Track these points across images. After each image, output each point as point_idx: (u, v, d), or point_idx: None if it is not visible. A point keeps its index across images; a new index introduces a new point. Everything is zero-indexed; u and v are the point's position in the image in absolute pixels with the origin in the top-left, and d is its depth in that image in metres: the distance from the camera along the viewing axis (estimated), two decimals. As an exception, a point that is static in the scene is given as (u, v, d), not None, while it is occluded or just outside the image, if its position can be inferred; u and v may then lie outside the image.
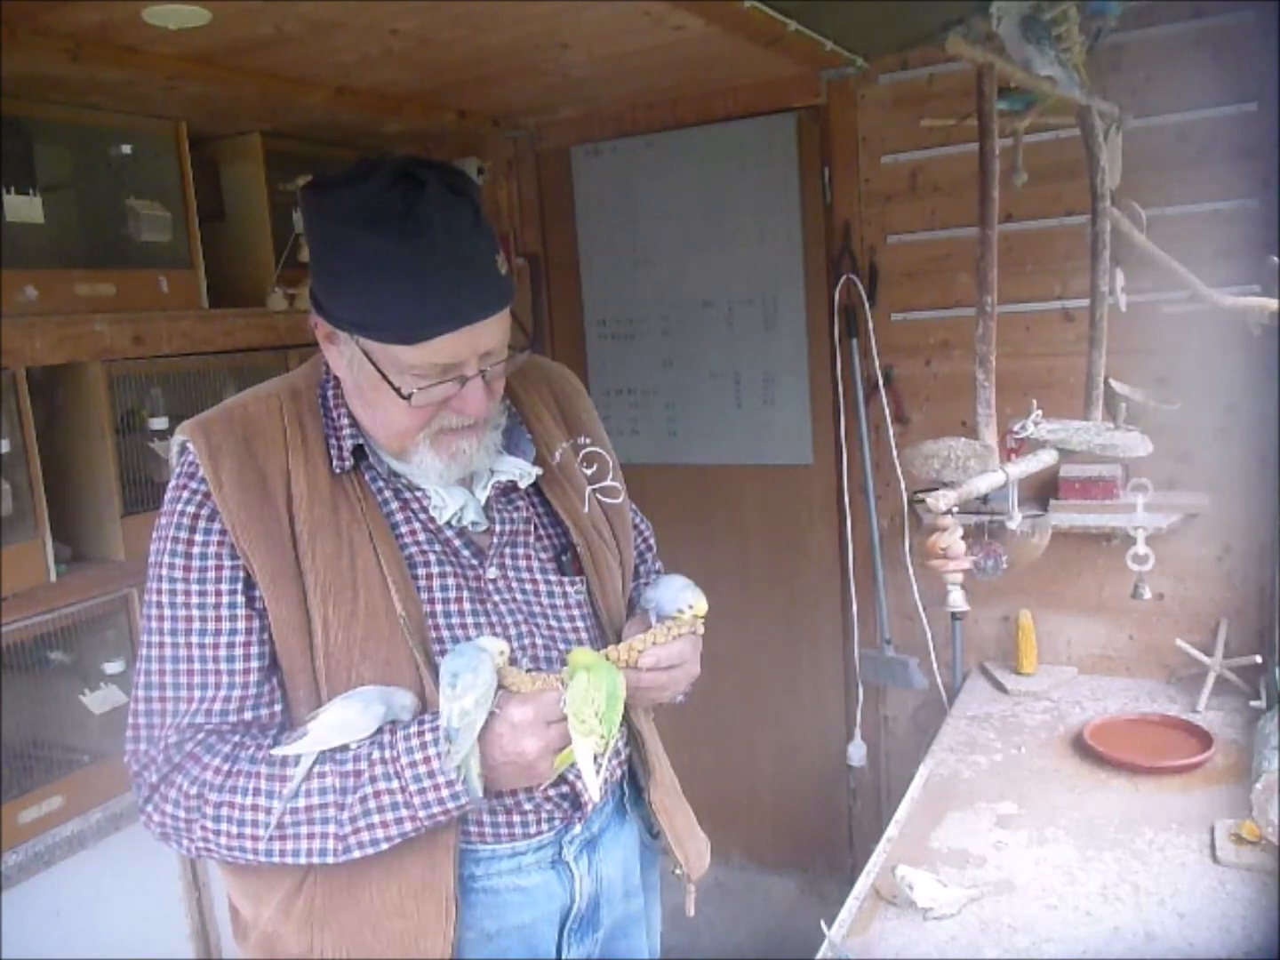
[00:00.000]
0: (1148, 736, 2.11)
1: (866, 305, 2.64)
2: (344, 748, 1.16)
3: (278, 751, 1.16)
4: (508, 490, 1.32)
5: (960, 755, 2.13)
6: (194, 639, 1.18)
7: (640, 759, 1.41)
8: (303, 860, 1.16)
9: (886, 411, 2.66)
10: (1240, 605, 2.33)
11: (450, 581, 1.26)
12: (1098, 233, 1.59)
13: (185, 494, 1.20)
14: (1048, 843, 1.79)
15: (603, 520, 1.39)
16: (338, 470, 1.24)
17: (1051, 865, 1.72)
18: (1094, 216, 1.59)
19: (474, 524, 1.29)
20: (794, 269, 2.76)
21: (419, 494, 1.27)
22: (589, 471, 1.41)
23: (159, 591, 1.20)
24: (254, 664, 1.19)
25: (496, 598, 1.28)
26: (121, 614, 2.18)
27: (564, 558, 1.35)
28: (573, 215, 3.04)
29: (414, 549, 1.26)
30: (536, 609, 1.31)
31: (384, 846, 1.16)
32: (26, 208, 2.05)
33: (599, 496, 1.40)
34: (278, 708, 1.22)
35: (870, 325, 2.64)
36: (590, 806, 1.32)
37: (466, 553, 1.28)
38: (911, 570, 2.67)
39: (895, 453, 2.65)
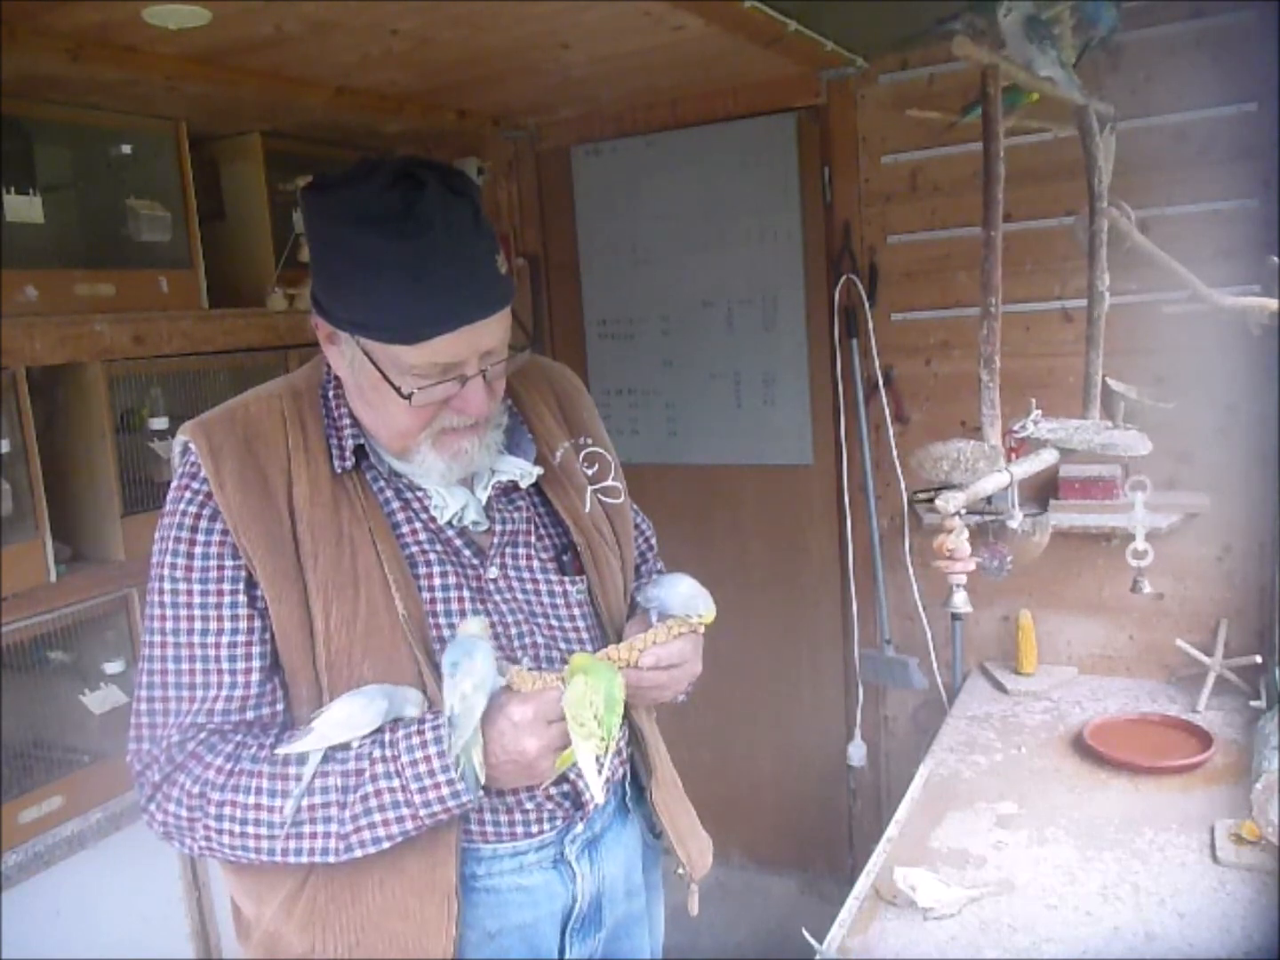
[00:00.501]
0: (1148, 736, 2.11)
1: (866, 305, 2.64)
2: (345, 746, 1.16)
3: (283, 750, 1.16)
4: (509, 490, 1.32)
5: (960, 755, 2.14)
6: (196, 639, 1.19)
7: (642, 758, 1.41)
8: (305, 859, 1.16)
9: (886, 411, 2.66)
10: (1240, 605, 2.33)
11: (451, 581, 1.26)
12: (1095, 232, 1.59)
13: (187, 494, 1.20)
14: (1048, 843, 1.79)
15: (604, 520, 1.39)
16: (339, 470, 1.24)
17: (1051, 865, 1.72)
18: (1091, 216, 1.60)
19: (475, 524, 1.29)
20: (794, 269, 2.76)
21: (420, 494, 1.27)
22: (590, 471, 1.41)
23: (161, 591, 1.20)
24: (255, 663, 1.20)
25: (497, 597, 1.29)
26: (121, 614, 2.18)
27: (565, 557, 1.35)
28: (573, 215, 3.04)
29: (415, 548, 1.26)
30: (537, 608, 1.31)
31: (385, 845, 1.16)
32: (26, 208, 2.05)
33: (600, 496, 1.40)
34: (279, 707, 1.22)
35: (870, 325, 2.65)
36: (592, 806, 1.32)
37: (467, 552, 1.28)
38: (911, 570, 2.68)
39: (895, 453, 2.66)
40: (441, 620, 1.25)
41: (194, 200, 2.40)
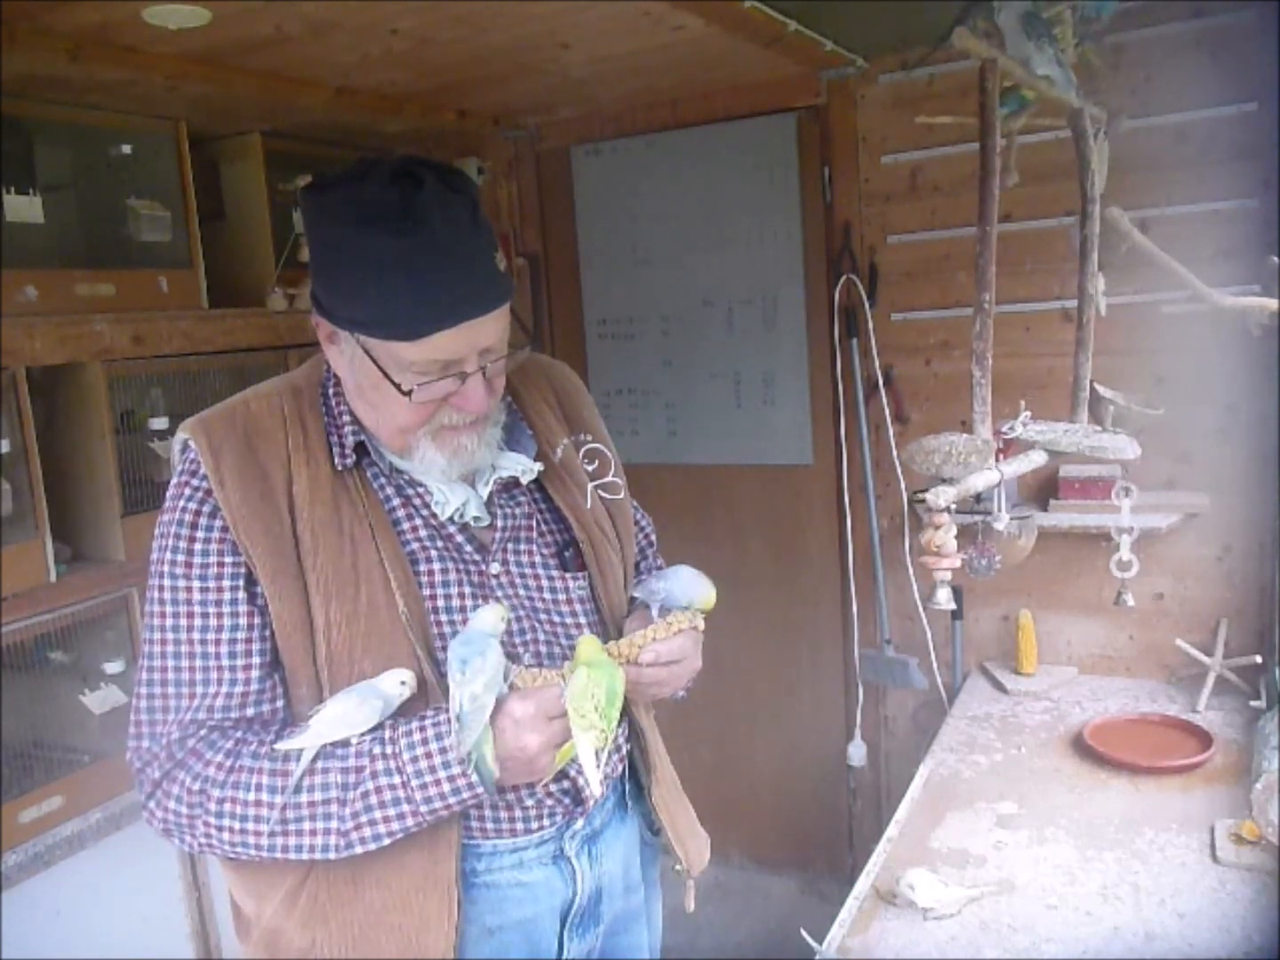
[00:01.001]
0: (1148, 736, 2.11)
1: (866, 305, 2.64)
2: (345, 743, 1.16)
3: (280, 746, 1.17)
4: (509, 486, 1.32)
5: (960, 755, 2.13)
6: (195, 635, 1.19)
7: (641, 755, 1.41)
8: (305, 856, 1.16)
9: (886, 411, 2.66)
10: (1240, 605, 2.33)
11: (452, 577, 1.26)
12: (1086, 235, 1.59)
13: (187, 491, 1.21)
14: (1048, 843, 1.79)
15: (604, 516, 1.40)
16: (339, 466, 1.24)
17: (1051, 865, 1.72)
18: (1083, 219, 1.60)
19: (476, 520, 1.29)
20: (794, 269, 2.76)
21: (421, 490, 1.28)
22: (590, 468, 1.41)
23: (161, 588, 1.20)
24: (255, 660, 1.20)
25: (499, 593, 1.29)
26: (121, 614, 2.18)
27: (566, 553, 1.35)
28: (573, 215, 3.04)
29: (416, 545, 1.26)
30: (539, 604, 1.31)
31: (386, 842, 1.16)
32: (26, 208, 2.05)
33: (601, 492, 1.41)
34: (279, 704, 1.22)
35: (870, 325, 2.65)
36: (591, 802, 1.32)
37: (469, 548, 1.28)
38: (911, 570, 2.68)
39: (895, 453, 2.65)
40: (442, 617, 1.25)
41: (194, 200, 2.40)
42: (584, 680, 1.13)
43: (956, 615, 2.59)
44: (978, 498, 1.44)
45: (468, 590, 1.27)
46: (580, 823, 1.33)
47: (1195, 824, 1.80)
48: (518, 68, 2.32)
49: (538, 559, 1.33)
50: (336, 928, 1.22)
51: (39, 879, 1.98)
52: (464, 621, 1.25)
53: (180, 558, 1.19)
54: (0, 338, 1.94)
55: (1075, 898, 1.63)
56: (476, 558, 1.29)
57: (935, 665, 2.68)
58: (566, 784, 1.30)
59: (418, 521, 1.27)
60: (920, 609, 2.66)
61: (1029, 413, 1.51)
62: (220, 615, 1.19)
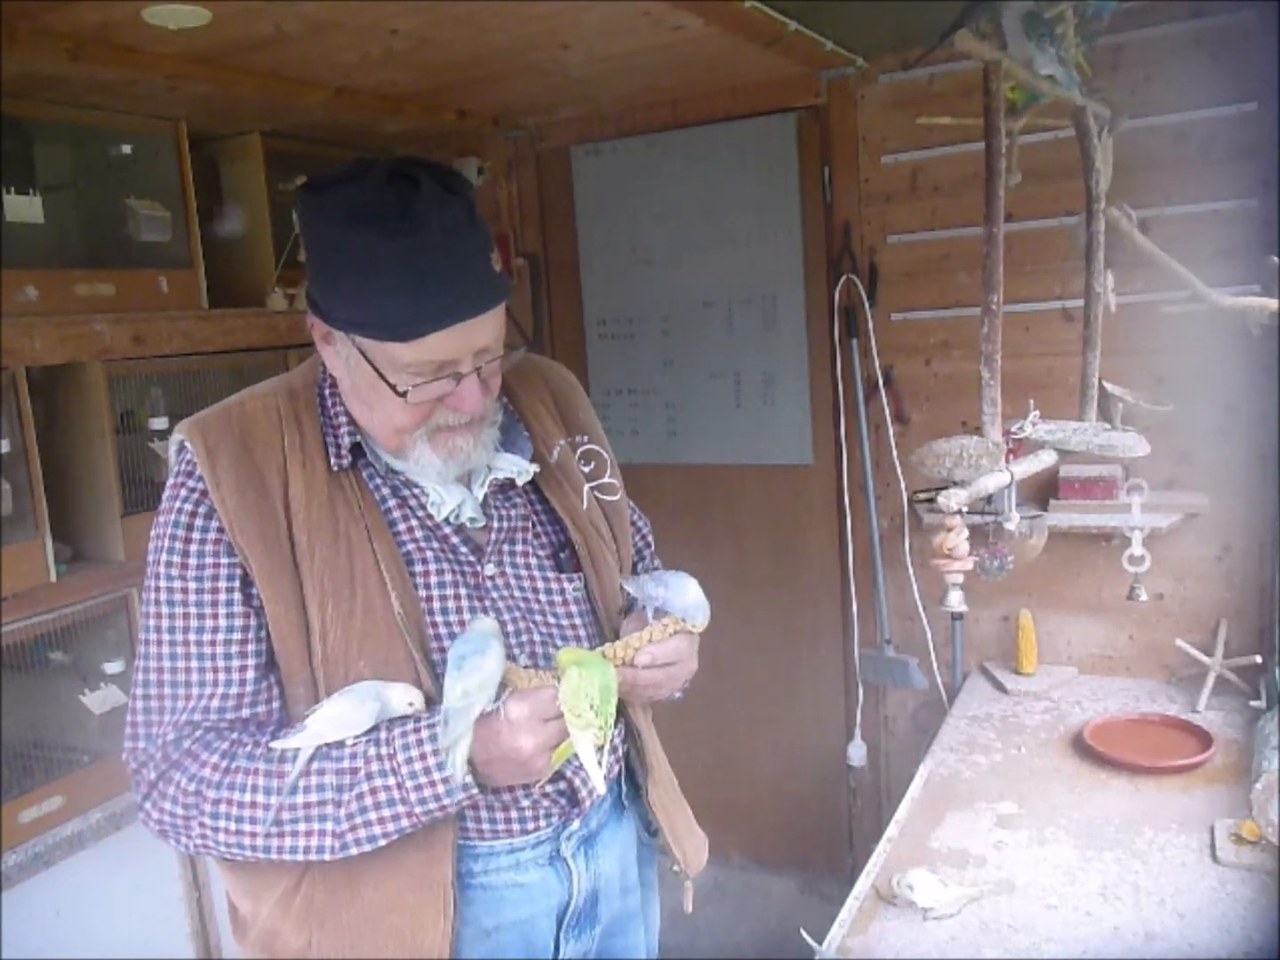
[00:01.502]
0: (1148, 736, 2.11)
1: (866, 305, 2.64)
2: (340, 744, 1.16)
3: (276, 745, 1.17)
4: (505, 487, 1.32)
5: (960, 755, 2.13)
6: (191, 636, 1.19)
7: (638, 756, 1.41)
8: (300, 857, 1.16)
9: (886, 411, 2.66)
10: (1240, 605, 2.33)
11: (448, 579, 1.26)
12: (1093, 233, 1.59)
13: (183, 492, 1.21)
14: (1048, 843, 1.79)
15: (601, 517, 1.39)
16: (335, 467, 1.24)
17: (1051, 865, 1.72)
18: (1089, 217, 1.60)
19: (472, 521, 1.29)
20: (794, 269, 2.76)
21: (416, 491, 1.28)
22: (587, 469, 1.41)
23: (157, 589, 1.20)
24: (251, 661, 1.20)
25: (494, 594, 1.29)
26: (121, 614, 2.18)
27: (562, 555, 1.35)
28: (573, 215, 3.04)
29: (411, 546, 1.26)
30: (534, 606, 1.31)
31: (381, 843, 1.16)
32: (26, 208, 2.06)
33: (597, 494, 1.40)
34: (275, 705, 1.22)
35: (870, 325, 2.64)
36: (589, 803, 1.32)
37: (464, 550, 1.28)
38: (911, 570, 2.67)
39: (895, 453, 2.65)
40: (438, 618, 1.25)
41: (194, 200, 2.40)
42: (576, 680, 1.12)
43: (957, 615, 2.59)
44: (987, 499, 1.44)
45: (463, 592, 1.27)
46: (576, 824, 1.33)
47: (1195, 824, 1.79)
48: (518, 68, 2.32)
49: (533, 560, 1.33)
50: (332, 928, 1.22)
51: (39, 879, 1.99)
52: (460, 623, 1.25)
53: (176, 559, 1.19)
54: (0, 338, 1.94)
55: (1075, 898, 1.63)
56: (472, 559, 1.28)
57: (935, 665, 2.68)
58: (563, 785, 1.30)
59: (413, 523, 1.27)
60: (920, 609, 2.66)
61: (1038, 412, 1.51)
62: (216, 616, 1.19)
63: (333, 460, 1.24)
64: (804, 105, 2.66)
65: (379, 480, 1.27)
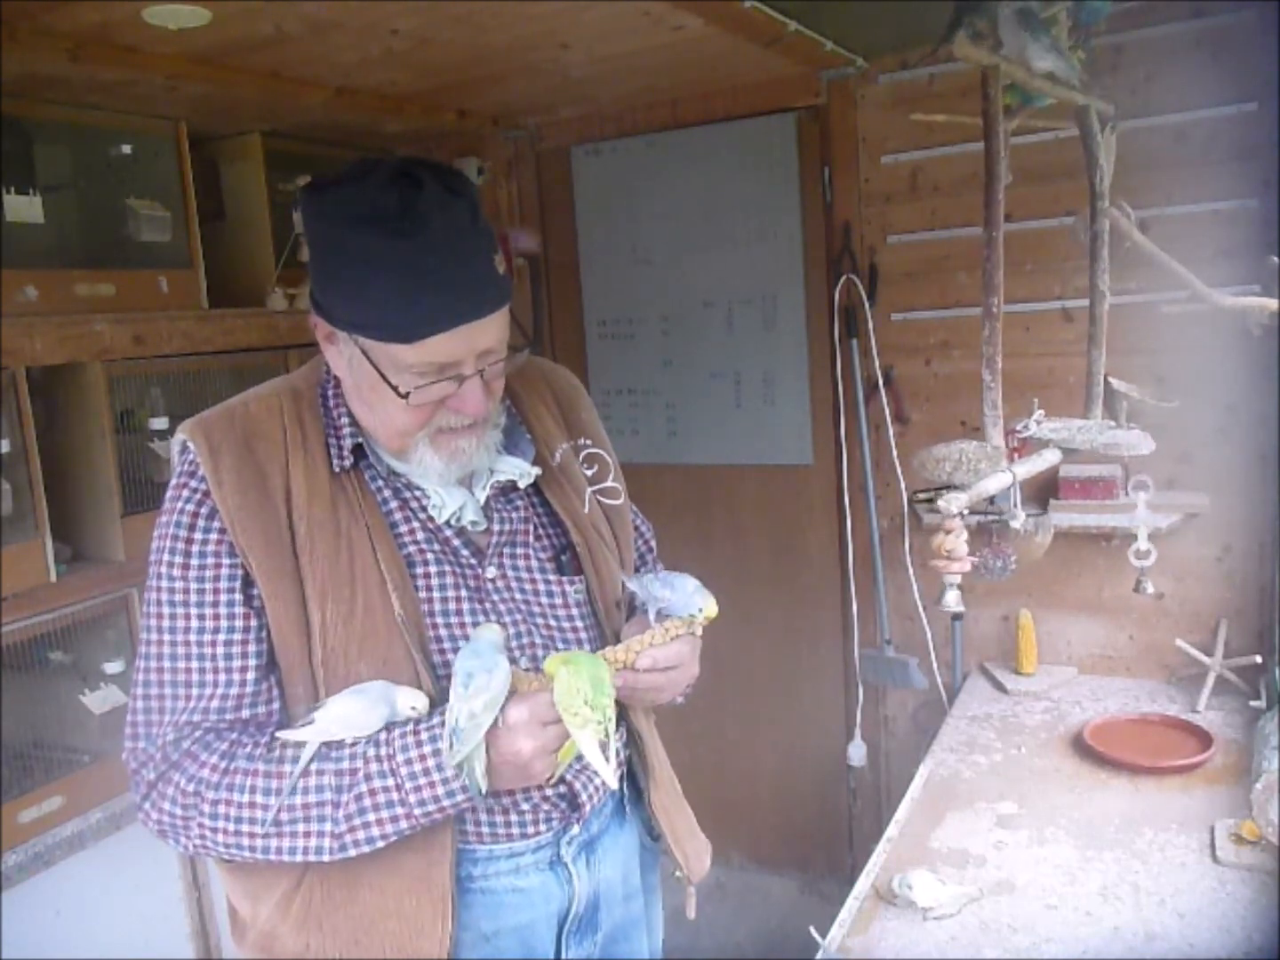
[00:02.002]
0: (1148, 736, 2.11)
1: (866, 305, 2.64)
2: (340, 745, 1.16)
3: (282, 735, 1.17)
4: (507, 490, 1.32)
5: (960, 755, 2.13)
6: (192, 637, 1.19)
7: (640, 760, 1.40)
8: (299, 858, 1.16)
9: (886, 411, 2.66)
10: (1240, 605, 2.33)
11: (449, 581, 1.26)
12: (1096, 232, 1.59)
13: (185, 493, 1.21)
14: (1048, 843, 1.79)
15: (603, 520, 1.39)
16: (337, 469, 1.24)
17: (1051, 865, 1.72)
18: (1092, 215, 1.60)
19: (473, 523, 1.29)
20: (794, 269, 2.76)
21: (418, 493, 1.28)
22: (589, 472, 1.41)
23: (158, 589, 1.20)
24: (251, 662, 1.20)
25: (495, 597, 1.29)
26: (121, 614, 2.18)
27: (563, 558, 1.35)
28: (573, 215, 3.04)
29: (412, 548, 1.26)
30: (535, 609, 1.31)
31: (380, 844, 1.16)
32: (26, 208, 2.05)
33: (599, 497, 1.40)
34: (275, 706, 1.22)
35: (870, 325, 2.64)
36: (589, 807, 1.32)
37: (465, 552, 1.28)
38: (911, 570, 2.67)
39: (895, 453, 2.65)
40: (439, 620, 1.25)
41: (194, 200, 2.40)
42: (566, 680, 1.12)
43: (957, 615, 2.59)
44: (990, 499, 1.43)
45: (464, 594, 1.27)
46: (577, 828, 1.32)
47: (1195, 824, 1.80)
48: (518, 68, 2.32)
49: (534, 563, 1.33)
50: (331, 931, 1.22)
51: (39, 879, 1.98)
52: (460, 625, 1.25)
53: (178, 559, 1.19)
54: (0, 338, 1.94)
55: (1075, 898, 1.63)
56: (473, 562, 1.28)
57: (935, 665, 2.68)
58: (563, 789, 1.29)
59: (415, 524, 1.27)
60: (920, 609, 2.66)
61: (1042, 411, 1.51)
62: (217, 617, 1.19)
63: (334, 462, 1.24)
64: (804, 105, 2.66)
65: (381, 482, 1.27)
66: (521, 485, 1.31)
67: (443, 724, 1.13)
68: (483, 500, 1.29)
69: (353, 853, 1.16)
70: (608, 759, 1.14)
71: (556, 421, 1.41)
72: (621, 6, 1.92)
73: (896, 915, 1.61)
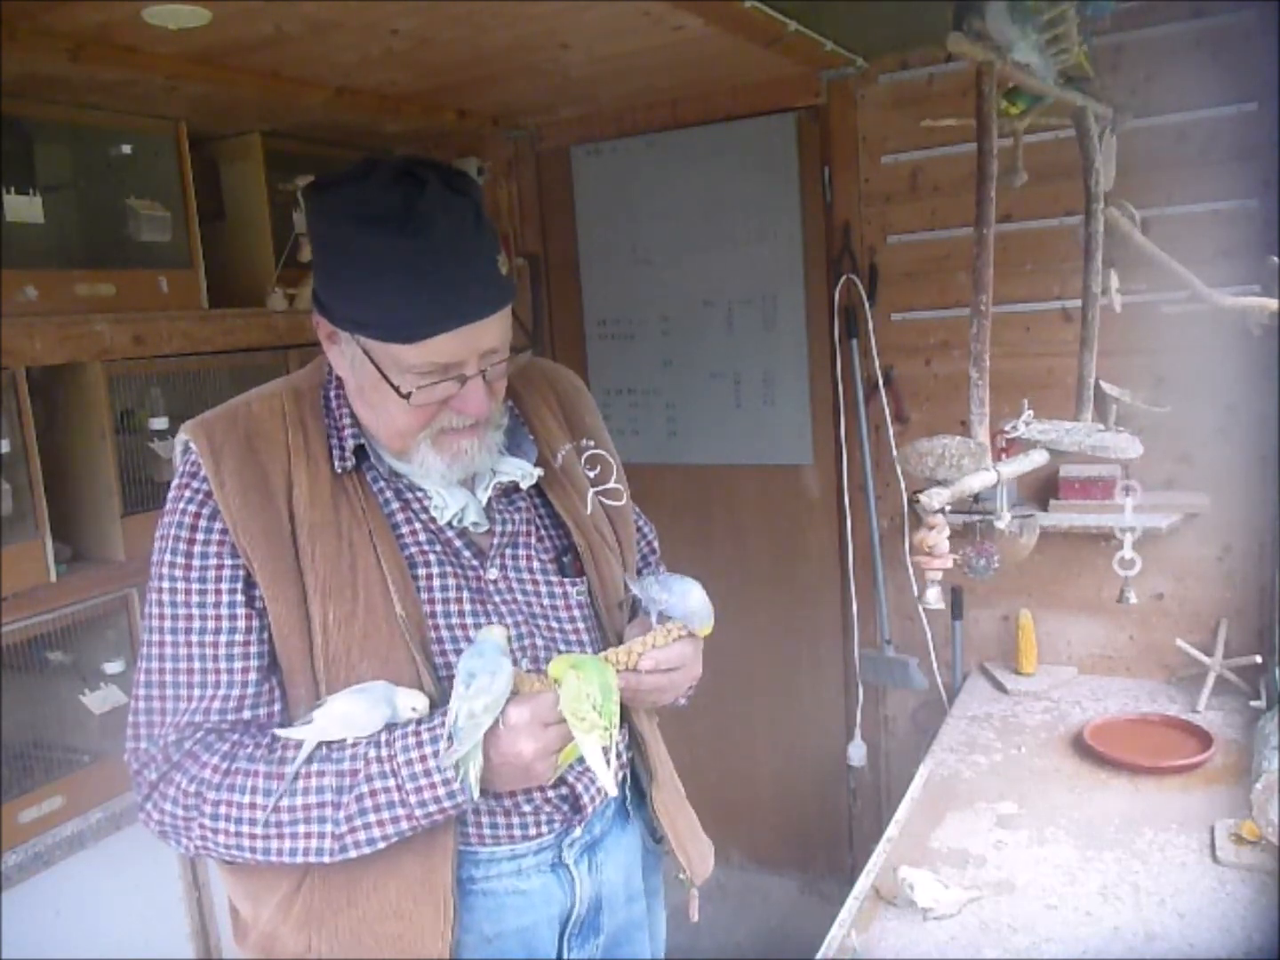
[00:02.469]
0: (1148, 736, 2.12)
1: (866, 305, 2.64)
2: (340, 745, 1.16)
3: (282, 733, 1.17)
4: (509, 491, 1.32)
5: (960, 755, 2.14)
6: (194, 638, 1.19)
7: (643, 762, 1.40)
8: (299, 860, 1.16)
9: (886, 411, 2.66)
10: (1240, 605, 2.33)
11: (450, 582, 1.26)
12: (1091, 234, 1.59)
13: (187, 493, 1.21)
14: (1048, 843, 1.79)
15: (605, 522, 1.39)
16: (339, 470, 1.24)
17: (1051, 865, 1.72)
18: (1088, 217, 1.60)
19: (475, 524, 1.29)
20: (794, 269, 2.76)
21: (420, 494, 1.27)
22: (592, 474, 1.40)
23: (160, 590, 1.20)
24: (253, 663, 1.20)
25: (497, 598, 1.28)
26: (121, 614, 2.18)
27: (565, 559, 1.35)
28: (573, 215, 3.04)
29: (414, 549, 1.26)
30: (537, 610, 1.31)
31: (380, 845, 1.16)
32: (26, 208, 2.05)
33: (602, 498, 1.40)
34: (276, 707, 1.22)
35: (870, 325, 2.64)
36: (591, 809, 1.32)
37: (467, 553, 1.28)
38: (911, 570, 2.67)
39: (895, 453, 2.65)
40: (440, 621, 1.25)
41: (194, 200, 2.40)
42: (575, 684, 1.12)
43: (956, 615, 2.59)
44: (976, 498, 1.43)
45: (465, 595, 1.26)
46: (579, 830, 1.32)
47: (1195, 824, 1.80)
48: (518, 68, 2.32)
49: (536, 565, 1.32)
50: (332, 932, 1.22)
51: (39, 879, 1.98)
52: (461, 626, 1.25)
53: (180, 560, 1.19)
54: (0, 338, 1.94)
55: (1075, 898, 1.63)
56: (474, 563, 1.28)
57: (935, 665, 2.68)
58: (565, 791, 1.29)
59: (416, 526, 1.27)
60: (920, 609, 2.66)
61: (1031, 412, 1.51)
62: (219, 618, 1.19)
63: (336, 462, 1.24)
64: (804, 105, 2.66)
65: (382, 483, 1.27)
66: (524, 486, 1.31)
67: (444, 724, 1.13)
68: (485, 501, 1.29)
69: (353, 854, 1.16)
70: (609, 765, 1.14)
71: (559, 422, 1.41)
72: (621, 6, 1.92)
73: (896, 915, 1.61)
